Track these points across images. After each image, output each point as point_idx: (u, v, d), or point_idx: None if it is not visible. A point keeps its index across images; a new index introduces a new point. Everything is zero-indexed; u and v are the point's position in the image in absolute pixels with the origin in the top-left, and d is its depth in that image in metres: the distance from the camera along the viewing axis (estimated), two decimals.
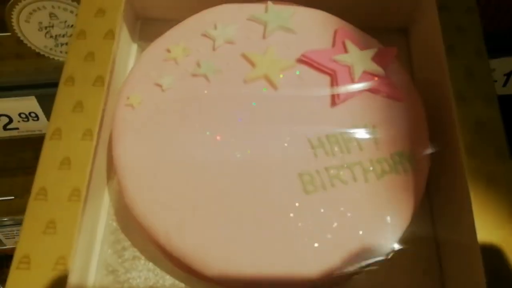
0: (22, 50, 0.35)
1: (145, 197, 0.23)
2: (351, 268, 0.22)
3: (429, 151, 0.25)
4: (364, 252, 0.22)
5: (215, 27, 0.28)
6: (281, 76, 0.26)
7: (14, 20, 0.33)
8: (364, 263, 0.22)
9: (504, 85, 0.40)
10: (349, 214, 0.23)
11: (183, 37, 0.28)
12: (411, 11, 0.31)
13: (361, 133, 0.25)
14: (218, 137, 0.24)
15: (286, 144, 0.24)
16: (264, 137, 0.24)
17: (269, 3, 0.28)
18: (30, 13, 0.33)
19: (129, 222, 0.26)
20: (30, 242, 0.19)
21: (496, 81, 0.39)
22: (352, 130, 0.25)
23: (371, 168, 0.24)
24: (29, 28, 0.34)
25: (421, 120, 0.26)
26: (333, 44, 0.27)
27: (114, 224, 0.26)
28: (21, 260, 0.18)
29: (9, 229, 0.49)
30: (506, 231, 0.19)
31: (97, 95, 0.22)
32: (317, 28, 0.28)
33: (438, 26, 0.26)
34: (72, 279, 0.19)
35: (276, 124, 0.25)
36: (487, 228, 0.20)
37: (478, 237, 0.19)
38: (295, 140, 0.24)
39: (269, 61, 0.26)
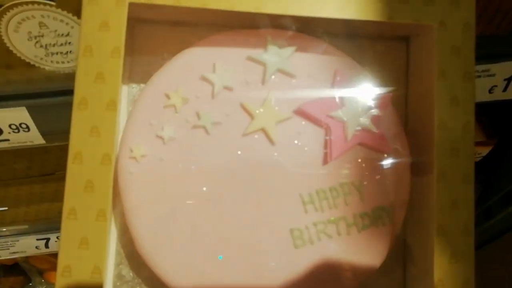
0: (11, 60, 0.34)
1: (156, 253, 0.26)
2: None
3: (405, 205, 0.28)
4: None
5: (214, 69, 0.27)
6: (278, 129, 0.27)
7: (2, 29, 0.31)
8: None
9: (504, 90, 0.40)
10: (331, 264, 0.26)
11: (181, 80, 0.27)
12: (412, 25, 0.30)
13: (348, 188, 0.27)
14: (214, 193, 0.27)
15: (279, 200, 0.27)
16: (260, 192, 0.27)
17: (269, 40, 0.28)
18: (19, 23, 0.31)
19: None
20: None
21: (496, 86, 0.40)
22: (340, 186, 0.27)
23: (353, 223, 0.27)
24: (19, 37, 0.32)
25: (405, 173, 0.28)
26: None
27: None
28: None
29: (3, 240, 0.50)
30: None
31: (106, 172, 0.23)
32: (317, 70, 0.28)
33: (433, 45, 0.26)
34: None
35: (272, 179, 0.27)
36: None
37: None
38: (288, 195, 0.27)
39: (267, 113, 0.27)
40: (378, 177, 0.28)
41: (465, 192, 0.24)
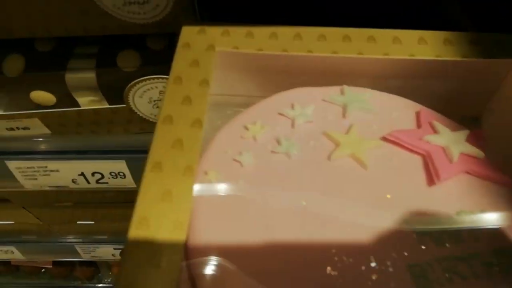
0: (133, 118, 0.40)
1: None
2: None
3: None
4: None
5: (292, 107, 0.27)
6: (368, 155, 0.24)
7: (130, 97, 0.38)
8: None
9: None
10: None
11: (260, 116, 0.27)
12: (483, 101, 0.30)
13: (470, 220, 0.21)
14: (305, 214, 0.21)
15: (386, 230, 0.21)
16: (361, 222, 0.21)
17: (345, 86, 0.28)
18: (144, 92, 0.37)
19: None
20: None
21: None
22: (459, 216, 0.21)
23: (494, 262, 0.20)
24: (142, 102, 0.39)
25: None
26: (419, 126, 0.26)
27: None
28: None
29: (86, 245, 0.67)
30: None
31: (187, 183, 0.20)
32: (398, 110, 0.27)
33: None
34: None
35: (372, 208, 0.22)
36: None
37: None
38: (395, 225, 0.21)
39: (353, 140, 0.25)
40: (498, 207, 0.22)
41: None
